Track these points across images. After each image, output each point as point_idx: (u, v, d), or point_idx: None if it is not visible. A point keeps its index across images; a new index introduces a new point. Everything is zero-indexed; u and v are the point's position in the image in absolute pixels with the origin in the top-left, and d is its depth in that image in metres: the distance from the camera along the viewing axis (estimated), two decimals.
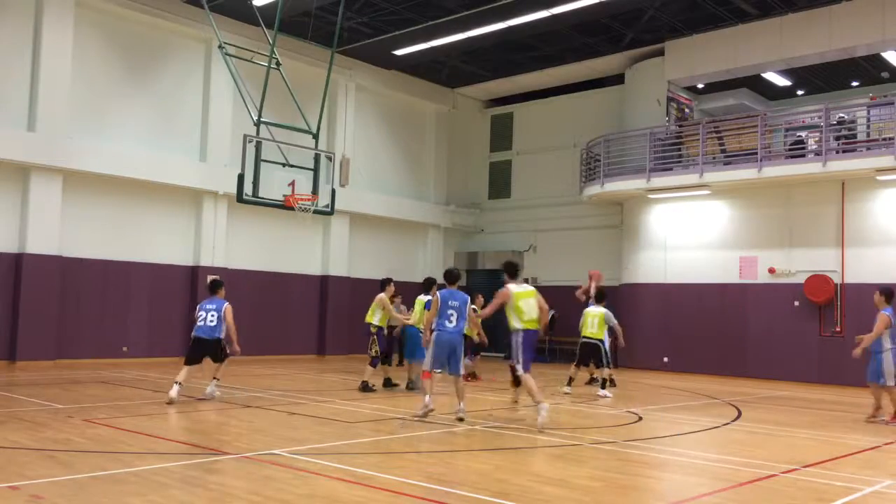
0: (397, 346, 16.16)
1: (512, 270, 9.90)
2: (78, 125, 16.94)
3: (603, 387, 13.38)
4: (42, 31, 16.39)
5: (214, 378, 11.30)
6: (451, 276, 10.13)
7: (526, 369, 9.45)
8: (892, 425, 10.57)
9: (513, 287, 9.64)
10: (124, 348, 17.47)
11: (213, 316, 11.00)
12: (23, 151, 15.96)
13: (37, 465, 6.47)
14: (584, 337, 13.73)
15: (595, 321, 13.69)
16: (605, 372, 13.59)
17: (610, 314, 13.97)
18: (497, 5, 17.62)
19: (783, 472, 7.16)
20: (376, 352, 12.70)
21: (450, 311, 9.63)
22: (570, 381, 13.62)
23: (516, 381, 10.88)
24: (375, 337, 12.77)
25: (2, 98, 16.03)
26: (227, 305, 11.14)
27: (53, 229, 16.47)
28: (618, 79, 22.57)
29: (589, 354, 13.79)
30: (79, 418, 9.01)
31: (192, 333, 11.23)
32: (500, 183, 25.85)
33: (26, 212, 16.22)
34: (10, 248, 16.16)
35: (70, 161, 16.51)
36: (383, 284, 13.35)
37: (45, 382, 12.75)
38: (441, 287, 10.70)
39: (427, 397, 9.56)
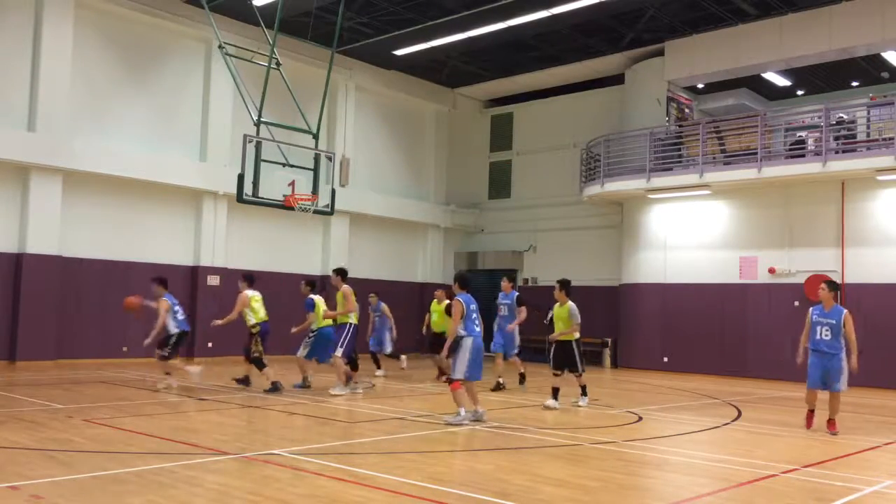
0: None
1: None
2: (78, 125, 16.94)
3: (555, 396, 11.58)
4: (42, 32, 16.39)
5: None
6: (466, 281, 9.83)
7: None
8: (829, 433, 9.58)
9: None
10: (124, 348, 17.46)
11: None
12: (23, 151, 15.97)
13: (37, 465, 6.47)
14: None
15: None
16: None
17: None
18: (497, 5, 17.62)
19: (783, 472, 7.16)
20: (260, 351, 12.36)
21: (474, 315, 9.63)
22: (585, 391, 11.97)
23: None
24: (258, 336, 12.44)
25: (2, 98, 16.03)
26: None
27: (53, 229, 16.48)
28: (618, 79, 22.57)
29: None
30: (79, 418, 9.02)
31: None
32: (500, 183, 25.85)
33: (26, 212, 16.22)
34: (10, 248, 16.17)
35: (70, 161, 16.51)
36: (251, 280, 12.69)
37: (45, 382, 12.75)
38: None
39: (463, 409, 9.37)
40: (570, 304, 11.66)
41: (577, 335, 11.69)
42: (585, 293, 22.69)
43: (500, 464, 7.18)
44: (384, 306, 15.95)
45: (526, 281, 24.47)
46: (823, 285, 9.79)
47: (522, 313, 13.80)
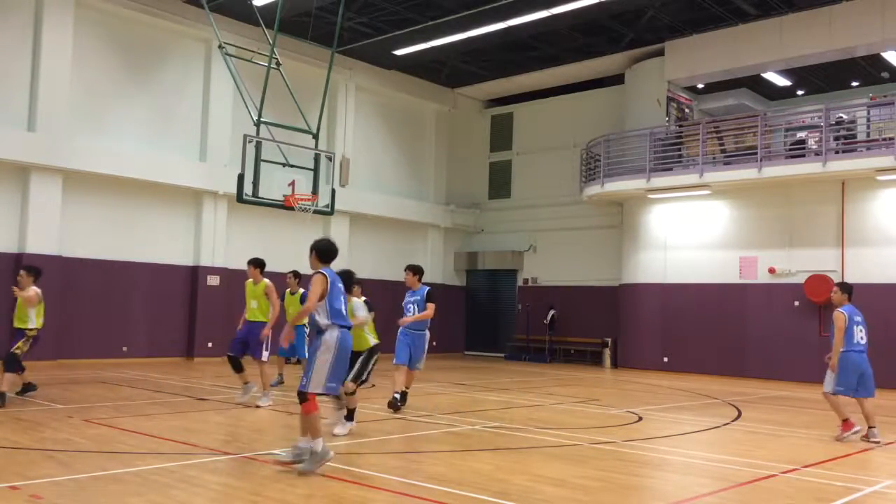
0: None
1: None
2: (78, 125, 16.94)
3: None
4: (42, 31, 16.39)
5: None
6: (328, 254, 7.00)
7: None
8: (846, 437, 9.08)
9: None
10: (124, 348, 17.47)
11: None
12: (23, 151, 15.97)
13: (36, 465, 6.47)
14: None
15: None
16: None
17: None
18: (497, 5, 17.62)
19: (783, 472, 7.16)
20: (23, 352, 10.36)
21: (342, 298, 6.98)
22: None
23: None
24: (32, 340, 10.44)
25: (2, 98, 16.03)
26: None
27: (53, 229, 16.48)
28: (618, 79, 22.58)
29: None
30: (78, 418, 9.01)
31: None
32: (499, 183, 25.86)
33: (26, 212, 16.23)
34: (10, 248, 16.16)
35: (70, 161, 16.51)
36: (37, 273, 10.60)
37: (45, 382, 12.72)
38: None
39: (320, 441, 6.52)
40: (354, 300, 8.79)
41: (375, 341, 8.99)
42: (586, 293, 22.80)
43: (500, 464, 7.18)
44: None
45: (526, 281, 24.50)
46: (835, 289, 9.66)
47: (430, 310, 10.58)
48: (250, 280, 10.94)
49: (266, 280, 10.85)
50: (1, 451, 6.96)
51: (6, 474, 6.04)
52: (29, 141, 16.11)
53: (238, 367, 10.67)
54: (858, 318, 9.38)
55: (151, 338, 18.10)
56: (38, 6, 16.45)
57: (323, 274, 6.77)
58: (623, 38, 20.54)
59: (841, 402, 9.20)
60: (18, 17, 16.33)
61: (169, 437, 7.95)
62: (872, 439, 9.11)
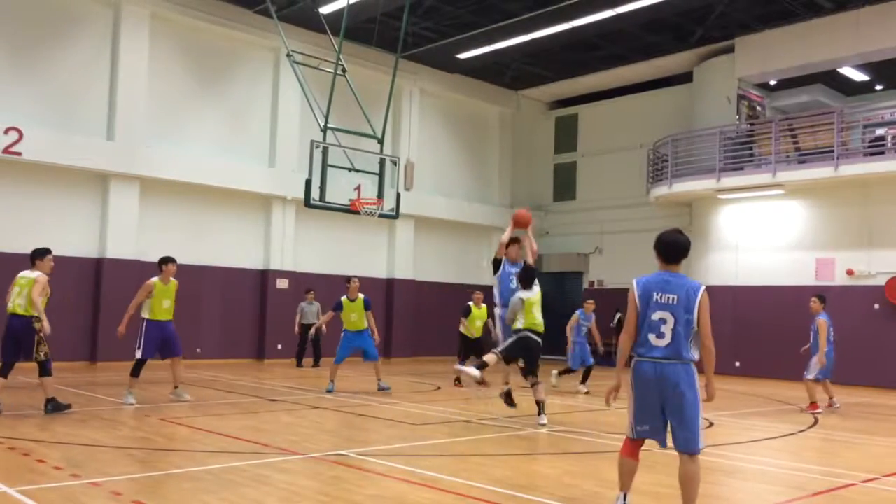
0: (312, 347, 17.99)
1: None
2: (154, 134, 17.54)
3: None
4: (119, 44, 17.04)
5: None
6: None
7: None
8: (809, 412, 11.73)
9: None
10: (198, 349, 17.96)
11: None
12: (102, 160, 16.63)
13: (116, 463, 6.71)
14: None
15: None
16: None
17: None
18: (561, 6, 17.49)
19: (862, 482, 6.89)
20: (47, 354, 9.10)
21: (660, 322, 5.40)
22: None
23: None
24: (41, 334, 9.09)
25: (82, 109, 16.73)
26: None
27: (131, 234, 17.09)
28: (685, 77, 22.14)
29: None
30: (155, 417, 9.32)
31: None
32: (564, 185, 25.64)
33: (106, 218, 16.88)
34: (92, 253, 16.84)
35: (147, 168, 17.11)
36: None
37: (124, 382, 13.18)
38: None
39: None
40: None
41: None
42: None
43: (567, 468, 7.11)
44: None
45: (592, 283, 24.21)
46: (814, 299, 12.19)
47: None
48: (156, 279, 10.83)
49: (174, 279, 10.98)
50: (83, 449, 7.26)
51: (88, 471, 6.29)
52: (108, 149, 16.76)
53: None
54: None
55: (223, 339, 18.58)
56: (116, 20, 17.10)
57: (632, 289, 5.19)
58: (691, 36, 20.14)
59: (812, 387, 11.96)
60: (97, 30, 17.00)
61: (241, 437, 8.15)
62: (836, 405, 12.21)
